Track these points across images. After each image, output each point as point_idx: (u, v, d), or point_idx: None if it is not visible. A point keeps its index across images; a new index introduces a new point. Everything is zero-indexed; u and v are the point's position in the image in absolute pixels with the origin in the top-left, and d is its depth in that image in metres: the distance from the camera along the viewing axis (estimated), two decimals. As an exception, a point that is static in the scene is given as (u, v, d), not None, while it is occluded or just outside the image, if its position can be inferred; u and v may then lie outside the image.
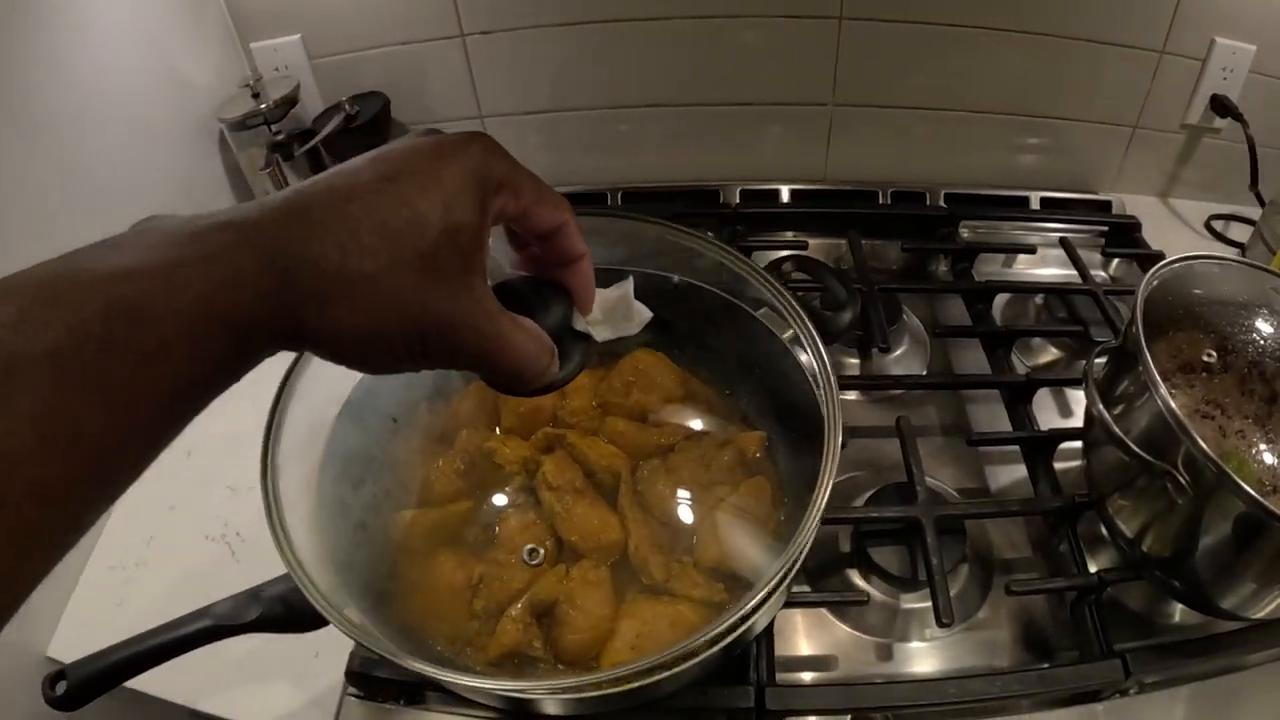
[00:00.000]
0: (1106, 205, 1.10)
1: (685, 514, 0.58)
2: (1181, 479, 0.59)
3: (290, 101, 0.93)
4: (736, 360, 0.65)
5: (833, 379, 0.55)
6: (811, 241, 1.04)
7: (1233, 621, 0.66)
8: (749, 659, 0.63)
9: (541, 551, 0.55)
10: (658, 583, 0.55)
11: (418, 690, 0.63)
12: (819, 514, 0.52)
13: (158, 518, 0.77)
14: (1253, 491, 0.54)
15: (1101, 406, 0.64)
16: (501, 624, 0.53)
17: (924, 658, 0.68)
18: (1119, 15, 0.98)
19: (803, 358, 0.59)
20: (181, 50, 0.90)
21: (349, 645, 0.63)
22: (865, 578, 0.72)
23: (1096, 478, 0.72)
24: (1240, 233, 1.10)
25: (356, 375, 0.55)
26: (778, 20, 0.95)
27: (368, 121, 0.94)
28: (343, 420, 0.58)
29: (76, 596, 0.72)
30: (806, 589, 0.71)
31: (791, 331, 0.64)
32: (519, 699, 0.53)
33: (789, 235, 1.04)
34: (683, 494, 0.58)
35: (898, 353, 0.92)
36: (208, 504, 0.78)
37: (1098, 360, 0.70)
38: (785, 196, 1.08)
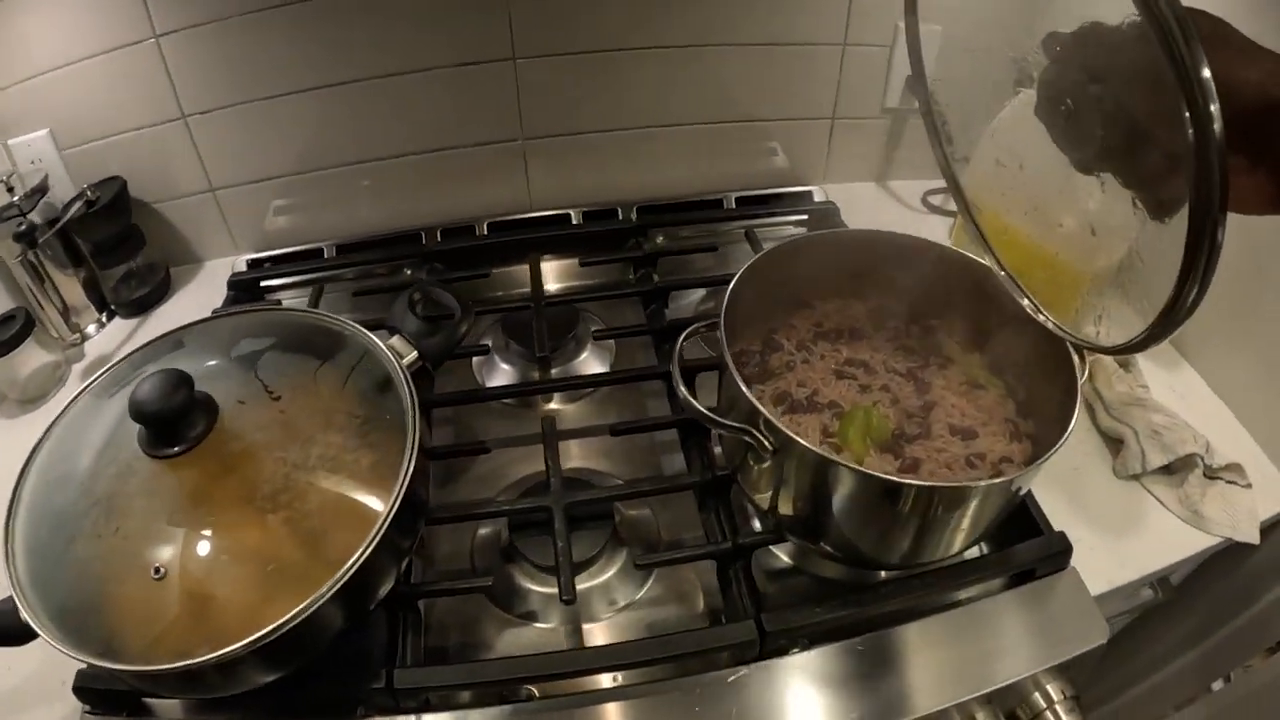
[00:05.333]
0: (807, 196, 1.15)
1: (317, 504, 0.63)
2: (765, 440, 0.64)
3: (40, 191, 1.01)
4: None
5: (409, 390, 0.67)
6: (496, 271, 1.08)
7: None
8: (396, 648, 0.68)
9: (163, 571, 0.61)
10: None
11: (137, 703, 0.68)
12: (399, 498, 0.61)
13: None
14: (813, 447, 0.61)
15: (682, 384, 0.68)
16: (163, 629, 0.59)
17: (591, 640, 0.73)
18: (793, 16, 1.04)
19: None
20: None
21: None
22: (520, 568, 0.77)
23: (727, 453, 0.78)
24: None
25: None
26: (455, 70, 1.02)
27: (107, 203, 1.02)
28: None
29: None
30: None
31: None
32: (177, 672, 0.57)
33: (484, 266, 1.08)
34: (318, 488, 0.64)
35: (582, 357, 0.98)
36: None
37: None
38: (483, 230, 1.12)
